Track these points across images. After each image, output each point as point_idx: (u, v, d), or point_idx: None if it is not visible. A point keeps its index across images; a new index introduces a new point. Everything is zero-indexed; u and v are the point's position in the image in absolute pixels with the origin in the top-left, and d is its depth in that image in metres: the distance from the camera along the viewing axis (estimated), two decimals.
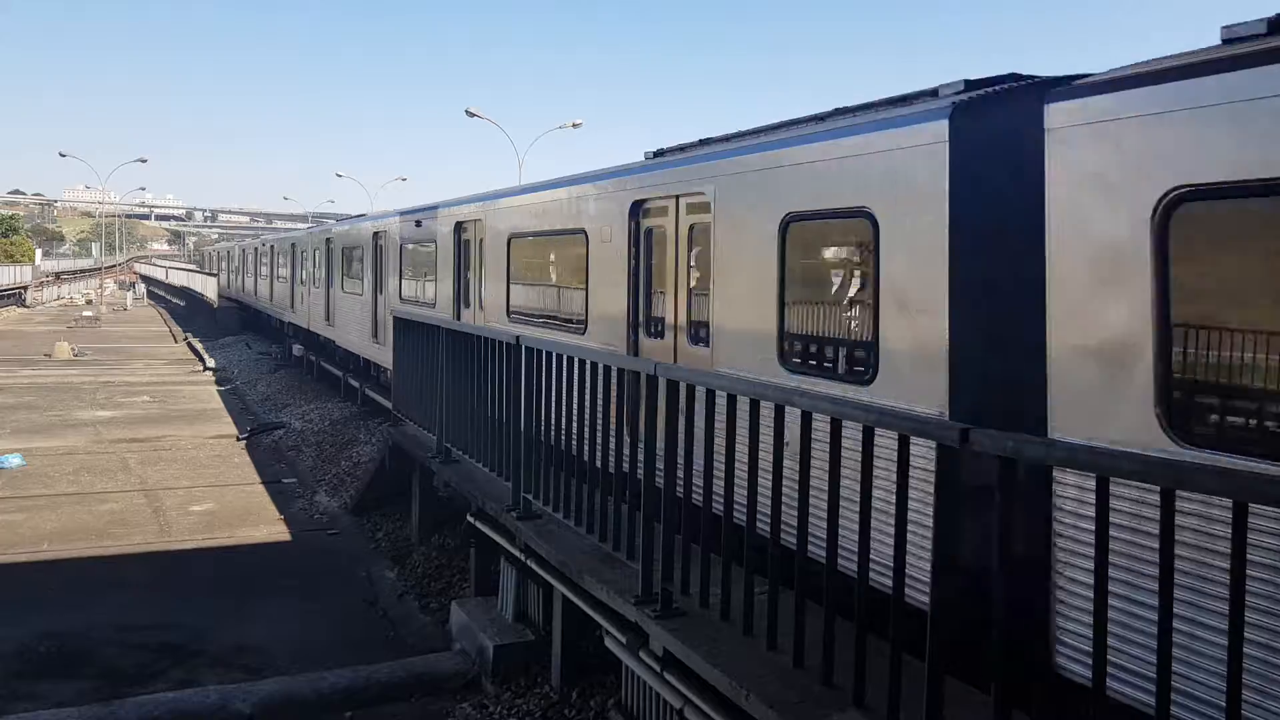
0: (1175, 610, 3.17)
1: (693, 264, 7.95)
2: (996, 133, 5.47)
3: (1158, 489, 3.10)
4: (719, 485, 5.31)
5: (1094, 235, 4.51)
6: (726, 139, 8.23)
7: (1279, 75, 3.80)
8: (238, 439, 18.77)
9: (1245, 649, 2.93)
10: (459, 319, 13.56)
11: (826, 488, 4.49)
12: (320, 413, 21.26)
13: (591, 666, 7.63)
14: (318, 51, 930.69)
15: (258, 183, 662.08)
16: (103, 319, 49.72)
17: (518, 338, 7.93)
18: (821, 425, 4.60)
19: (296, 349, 28.92)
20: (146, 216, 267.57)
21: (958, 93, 5.79)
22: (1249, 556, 2.91)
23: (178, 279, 70.78)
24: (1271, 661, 3.69)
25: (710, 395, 5.31)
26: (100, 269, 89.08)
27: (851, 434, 4.42)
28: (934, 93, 6.12)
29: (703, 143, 8.68)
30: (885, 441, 4.29)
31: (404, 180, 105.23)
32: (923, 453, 4.24)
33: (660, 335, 8.41)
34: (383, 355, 17.15)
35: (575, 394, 6.86)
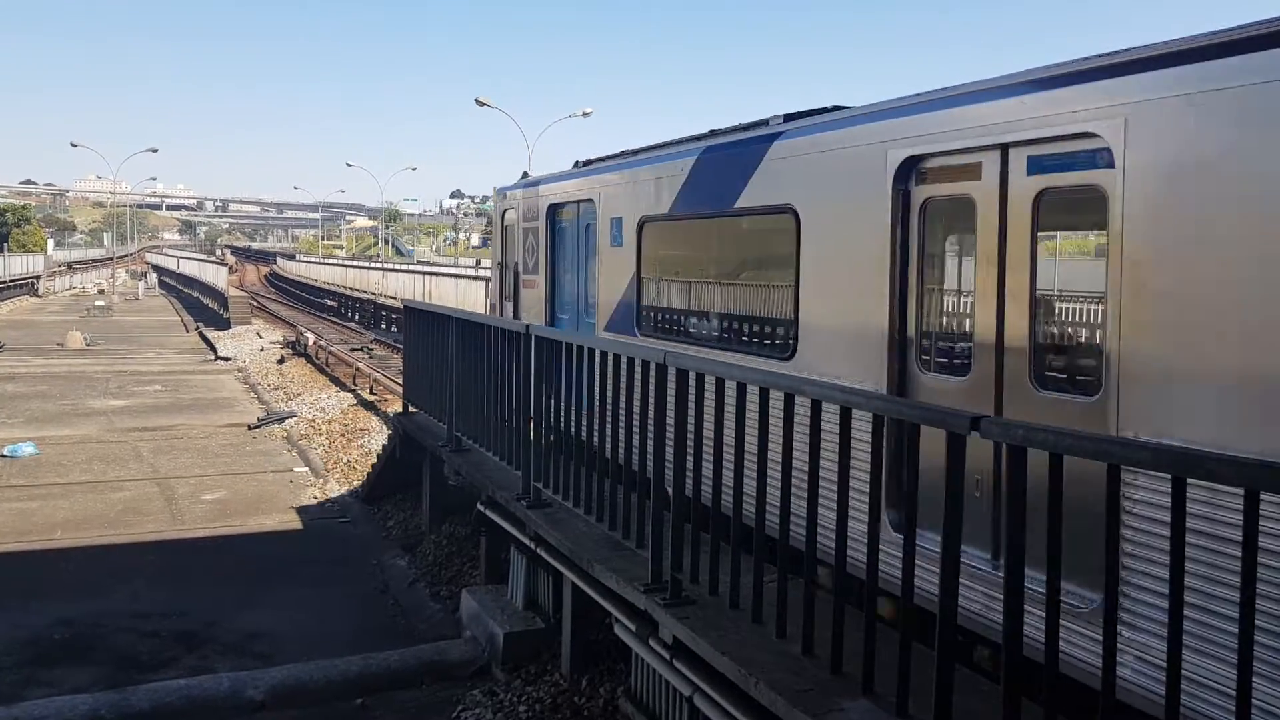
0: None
1: None
2: None
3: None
4: (728, 476, 5.31)
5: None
6: None
7: None
8: (249, 428, 18.84)
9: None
10: None
11: (836, 476, 4.48)
12: (331, 402, 21.32)
13: (601, 654, 7.66)
14: (327, 41, 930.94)
15: (268, 173, 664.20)
16: (115, 308, 49.87)
17: (528, 326, 7.92)
18: (831, 415, 4.59)
19: (309, 336, 28.95)
20: (158, 206, 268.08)
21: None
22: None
23: (189, 269, 70.97)
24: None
25: (720, 385, 5.32)
26: (112, 259, 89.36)
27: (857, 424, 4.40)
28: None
29: None
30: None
31: (414, 169, 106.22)
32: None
33: None
34: None
35: (587, 383, 6.86)
